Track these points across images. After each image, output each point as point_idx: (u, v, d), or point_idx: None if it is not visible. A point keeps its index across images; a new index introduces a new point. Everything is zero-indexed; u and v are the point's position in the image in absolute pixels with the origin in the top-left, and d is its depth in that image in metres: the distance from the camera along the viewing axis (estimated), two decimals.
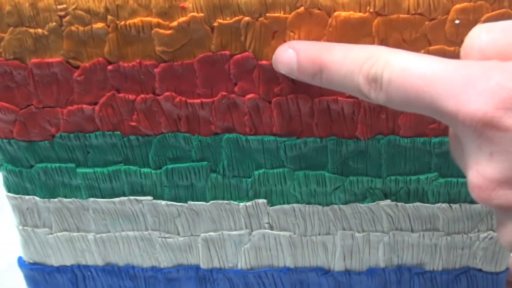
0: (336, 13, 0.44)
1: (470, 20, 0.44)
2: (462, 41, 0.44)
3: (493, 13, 0.44)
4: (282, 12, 0.45)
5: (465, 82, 0.35)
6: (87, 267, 0.56)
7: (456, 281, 0.55)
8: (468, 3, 0.44)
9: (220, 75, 0.47)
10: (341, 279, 0.55)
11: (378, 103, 0.40)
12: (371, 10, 0.44)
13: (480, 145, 0.35)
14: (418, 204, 0.51)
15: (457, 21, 0.44)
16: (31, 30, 0.46)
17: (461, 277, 0.54)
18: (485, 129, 0.34)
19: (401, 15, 0.44)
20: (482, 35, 0.38)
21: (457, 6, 0.44)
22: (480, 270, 0.54)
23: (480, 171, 0.36)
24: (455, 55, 0.44)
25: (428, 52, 0.45)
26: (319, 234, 0.53)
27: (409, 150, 0.49)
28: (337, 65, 0.41)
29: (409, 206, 0.51)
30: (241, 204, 0.52)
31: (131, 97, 0.48)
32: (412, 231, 0.52)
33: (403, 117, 0.47)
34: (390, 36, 0.45)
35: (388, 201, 0.51)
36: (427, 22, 0.44)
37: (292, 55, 0.44)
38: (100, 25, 0.46)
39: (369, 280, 0.55)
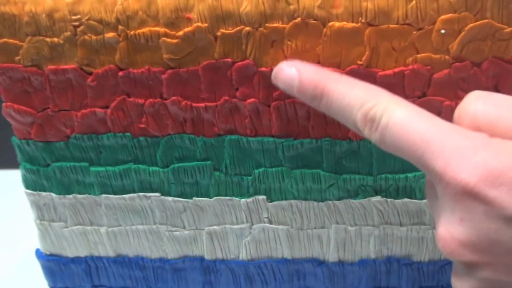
0: (330, 23, 0.45)
1: (455, 29, 0.44)
2: (447, 50, 0.44)
3: (476, 23, 0.44)
4: (280, 23, 0.45)
5: (456, 151, 0.36)
6: (99, 258, 0.56)
7: (441, 271, 0.55)
8: (453, 14, 0.44)
9: (223, 81, 0.47)
10: (335, 269, 0.55)
11: (369, 139, 0.41)
12: (363, 20, 0.44)
13: (454, 208, 0.37)
14: (406, 200, 0.51)
15: (442, 31, 0.44)
16: (48, 39, 0.46)
17: (446, 267, 0.54)
18: (463, 197, 0.36)
19: (391, 25, 0.44)
20: (477, 104, 0.39)
21: (443, 17, 0.44)
22: None
23: (449, 229, 0.38)
24: (442, 62, 0.45)
25: (416, 60, 0.45)
26: (315, 228, 0.53)
27: None
28: (339, 96, 0.42)
29: (398, 202, 0.51)
30: (242, 200, 0.52)
31: (140, 101, 0.48)
32: (400, 225, 0.52)
33: None
34: (381, 45, 0.45)
35: (378, 197, 0.51)
36: (414, 32, 0.44)
37: (294, 74, 0.44)
38: (111, 34, 0.46)
39: (361, 270, 0.55)
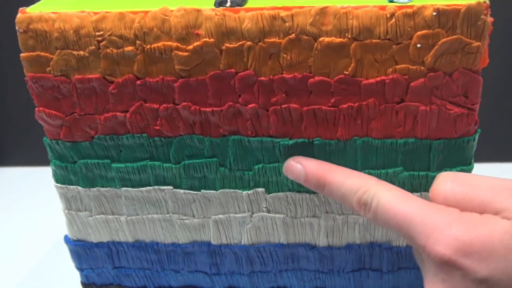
0: (320, 39, 0.44)
1: (430, 44, 0.44)
2: (423, 61, 0.44)
3: (448, 38, 0.44)
4: (277, 38, 0.45)
5: (433, 226, 0.40)
6: (120, 243, 0.56)
7: None
8: (428, 31, 0.43)
9: (227, 88, 0.47)
10: (325, 253, 0.54)
11: (367, 218, 0.45)
12: (349, 36, 0.44)
13: (437, 272, 0.40)
14: None
15: (418, 45, 0.44)
16: (75, 52, 0.46)
17: None
18: (442, 264, 0.40)
19: (374, 40, 0.44)
20: (446, 185, 0.43)
21: (419, 33, 0.44)
22: None
23: (433, 287, 0.41)
24: (418, 73, 0.45)
25: (395, 71, 0.45)
26: (307, 216, 0.52)
27: (379, 149, 0.49)
28: (337, 186, 0.46)
29: None
30: (244, 192, 0.52)
31: (155, 106, 0.48)
32: None
33: (375, 122, 0.47)
34: (365, 57, 0.45)
35: None
36: (394, 46, 0.44)
37: (300, 169, 0.48)
38: (130, 48, 0.46)
39: (347, 254, 0.54)
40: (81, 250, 0.57)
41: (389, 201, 0.43)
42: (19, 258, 0.83)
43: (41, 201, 0.96)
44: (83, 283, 0.60)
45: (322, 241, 0.54)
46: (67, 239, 0.57)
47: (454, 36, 0.44)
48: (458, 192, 0.42)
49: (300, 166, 0.48)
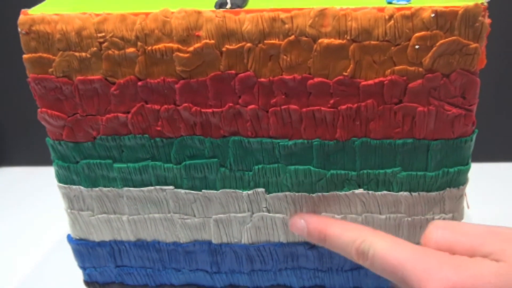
0: (320, 40, 0.44)
1: (427, 45, 0.44)
2: (421, 63, 0.44)
3: (446, 40, 0.43)
4: (276, 40, 0.44)
5: (425, 269, 0.40)
6: (121, 242, 0.56)
7: None
8: (426, 32, 0.43)
9: (228, 90, 0.46)
10: (324, 251, 0.54)
11: (366, 267, 0.46)
12: (348, 37, 0.44)
13: None
14: (385, 192, 0.50)
15: (417, 46, 0.44)
16: (77, 54, 0.46)
17: None
18: None
19: (372, 42, 0.44)
20: (438, 232, 0.43)
21: (417, 34, 0.43)
22: None
23: None
24: (416, 74, 0.44)
25: (393, 72, 0.45)
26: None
27: (378, 149, 0.48)
28: (337, 238, 0.48)
29: (377, 193, 0.50)
30: (244, 192, 0.51)
31: (157, 107, 0.48)
32: (380, 213, 0.52)
33: (373, 123, 0.47)
34: (363, 59, 0.44)
35: (361, 190, 0.50)
36: (392, 47, 0.44)
37: (303, 224, 0.51)
38: (131, 49, 0.45)
39: None
40: (84, 249, 0.56)
41: (383, 248, 0.44)
42: (22, 257, 0.82)
43: (44, 200, 0.95)
44: (85, 282, 0.59)
45: None
46: (69, 238, 0.57)
47: (452, 38, 0.43)
48: (449, 238, 0.43)
49: (303, 222, 0.51)
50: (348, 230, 0.48)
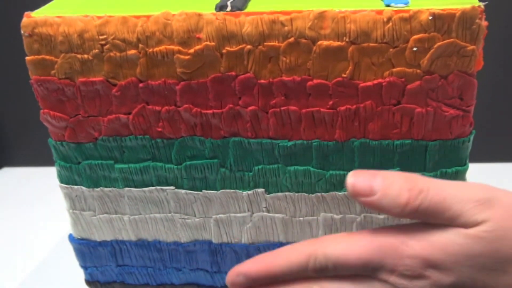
0: (319, 42, 0.44)
1: (425, 47, 0.44)
2: (419, 64, 0.44)
3: (444, 42, 0.43)
4: (276, 42, 0.45)
5: (390, 249, 0.40)
6: (123, 241, 0.56)
7: None
8: (424, 34, 0.43)
9: (228, 91, 0.47)
10: None
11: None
12: (347, 40, 0.44)
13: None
14: None
15: (415, 49, 0.44)
16: (79, 56, 0.46)
17: None
18: (412, 278, 0.40)
19: (371, 44, 0.44)
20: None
21: (415, 36, 0.43)
22: None
23: None
24: (414, 75, 0.45)
25: (392, 74, 0.45)
26: (306, 216, 0.52)
27: (376, 150, 0.49)
28: (287, 271, 0.43)
29: None
30: (244, 192, 0.51)
31: (158, 108, 0.48)
32: (379, 214, 0.52)
33: (372, 123, 0.47)
34: (362, 60, 0.45)
35: None
36: (391, 49, 0.44)
37: (242, 279, 0.44)
38: (133, 51, 0.46)
39: None
40: (85, 249, 0.57)
41: (338, 250, 0.42)
42: (24, 256, 0.83)
43: (46, 200, 0.96)
44: (87, 281, 0.59)
45: None
46: (71, 238, 0.57)
47: (449, 40, 0.44)
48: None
49: (242, 277, 0.44)
50: (291, 256, 0.43)
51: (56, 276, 0.76)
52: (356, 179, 0.41)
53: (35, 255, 0.83)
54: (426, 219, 0.41)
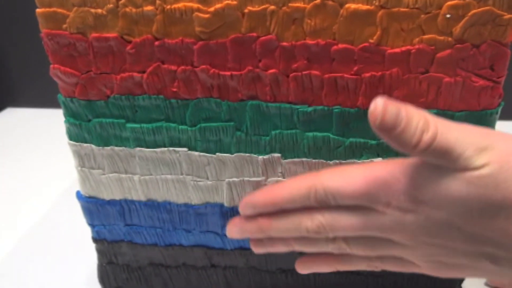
0: (347, 5, 0.42)
1: (459, 15, 0.42)
2: (451, 32, 0.42)
3: (479, 10, 0.42)
4: (301, 3, 0.43)
5: (383, 187, 0.42)
6: (132, 201, 0.54)
7: None
8: (458, 1, 0.42)
9: (248, 53, 0.45)
10: None
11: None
12: (377, 3, 0.42)
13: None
14: None
15: (448, 15, 0.42)
16: (92, 10, 0.44)
17: None
18: (405, 212, 0.42)
19: (401, 9, 0.42)
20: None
21: (449, 2, 0.42)
22: None
23: None
24: (445, 43, 0.43)
25: (421, 41, 0.43)
26: None
27: None
28: (289, 201, 0.47)
29: None
30: (260, 156, 0.50)
31: (173, 68, 0.46)
32: None
33: (397, 91, 0.45)
34: (391, 26, 0.43)
35: (379, 159, 0.49)
36: (422, 15, 0.42)
37: (251, 209, 0.49)
38: (149, 7, 0.44)
39: None
40: (93, 207, 0.55)
41: (335, 183, 0.44)
42: (27, 206, 0.81)
43: (50, 143, 0.94)
44: (94, 239, 0.58)
45: None
46: (79, 195, 0.56)
47: (485, 8, 0.41)
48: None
49: (250, 208, 0.49)
50: (294, 189, 0.47)
51: (60, 229, 0.75)
52: (386, 109, 0.40)
53: (39, 204, 0.81)
54: (431, 159, 0.41)
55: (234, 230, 0.51)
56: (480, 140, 0.40)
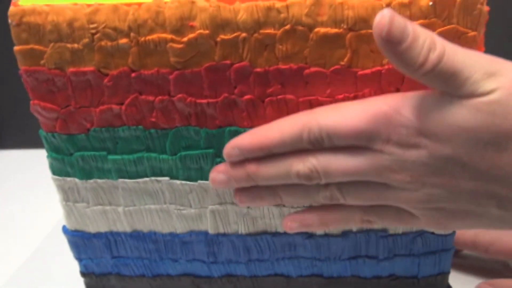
0: (316, 29, 0.43)
1: None
2: None
3: (444, 28, 0.43)
4: (272, 29, 0.43)
5: (382, 120, 0.41)
6: (117, 233, 0.55)
7: (413, 241, 0.53)
8: (424, 20, 0.43)
9: (223, 80, 0.45)
10: (321, 241, 0.53)
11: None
12: (345, 26, 0.43)
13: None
14: None
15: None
16: (69, 45, 0.45)
17: (417, 238, 0.53)
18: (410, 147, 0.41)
19: (369, 30, 0.43)
20: None
21: (415, 22, 0.42)
22: (432, 232, 0.53)
23: None
24: None
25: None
26: (304, 206, 0.51)
27: None
28: (281, 145, 0.44)
29: None
30: None
31: (151, 98, 0.47)
32: None
33: None
34: (361, 48, 0.44)
35: None
36: None
37: (237, 151, 0.46)
38: (124, 40, 0.44)
39: (344, 241, 0.53)
40: (80, 241, 0.56)
41: (331, 121, 0.42)
42: (17, 243, 0.82)
43: (39, 184, 0.94)
44: (82, 273, 0.59)
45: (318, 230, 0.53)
46: (65, 230, 0.56)
47: (450, 26, 0.43)
48: None
49: (237, 150, 0.46)
50: (285, 127, 0.44)
51: (50, 266, 0.75)
52: (393, 20, 0.38)
53: (27, 243, 0.81)
54: (436, 84, 0.39)
55: (219, 177, 0.47)
56: (489, 65, 0.38)
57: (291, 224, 0.48)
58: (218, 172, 0.47)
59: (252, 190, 0.47)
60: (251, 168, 0.45)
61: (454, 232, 0.53)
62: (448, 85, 0.38)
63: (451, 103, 0.39)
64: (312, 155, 0.43)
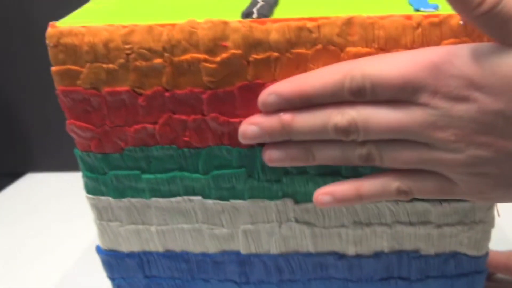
0: (347, 49, 0.44)
1: None
2: None
3: None
4: (304, 49, 0.44)
5: (433, 73, 0.38)
6: (150, 253, 0.55)
7: (446, 263, 0.53)
8: (454, 39, 0.43)
9: (255, 99, 0.46)
10: (353, 261, 0.53)
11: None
12: (376, 46, 0.43)
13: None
14: (414, 202, 0.50)
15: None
16: (104, 65, 0.46)
17: (450, 260, 0.53)
18: (458, 99, 0.38)
19: (400, 50, 0.43)
20: None
21: (445, 41, 0.43)
22: (465, 254, 0.52)
23: None
24: None
25: None
26: (335, 226, 0.51)
27: None
28: (322, 91, 0.42)
29: (407, 203, 0.50)
30: (273, 202, 0.51)
31: (184, 117, 0.47)
32: (410, 223, 0.51)
33: None
34: None
35: (390, 200, 0.50)
36: None
37: (274, 98, 0.43)
38: (158, 60, 0.45)
39: (376, 262, 0.53)
40: (113, 260, 0.56)
41: (377, 69, 0.40)
42: (49, 265, 0.83)
43: (71, 206, 0.96)
44: None
45: (350, 250, 0.53)
46: (99, 249, 0.57)
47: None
48: None
49: (274, 96, 0.43)
50: (326, 75, 0.42)
51: (84, 286, 0.76)
52: None
53: (60, 264, 0.82)
54: (490, 29, 0.37)
55: (250, 129, 0.45)
56: None
57: (321, 198, 0.46)
58: (250, 124, 0.45)
59: (283, 146, 0.45)
60: (287, 118, 0.43)
61: (487, 254, 0.53)
62: (503, 32, 0.37)
63: (506, 53, 0.37)
64: (352, 107, 0.41)
